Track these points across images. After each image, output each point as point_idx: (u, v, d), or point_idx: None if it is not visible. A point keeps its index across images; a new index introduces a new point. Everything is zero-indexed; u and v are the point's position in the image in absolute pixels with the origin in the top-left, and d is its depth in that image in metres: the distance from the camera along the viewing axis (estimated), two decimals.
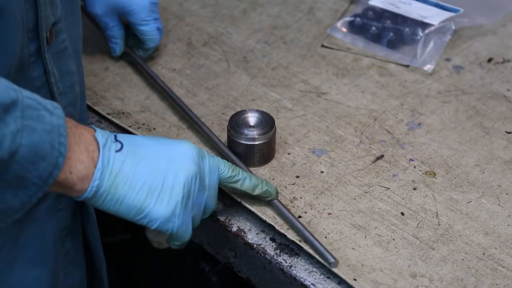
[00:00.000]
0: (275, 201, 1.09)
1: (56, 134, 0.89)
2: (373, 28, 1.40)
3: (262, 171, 1.15)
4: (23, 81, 0.97)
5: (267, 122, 1.16)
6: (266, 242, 1.08)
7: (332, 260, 1.02)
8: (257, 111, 1.17)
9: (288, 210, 1.08)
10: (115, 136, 0.97)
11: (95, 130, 0.96)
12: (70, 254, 1.11)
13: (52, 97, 1.02)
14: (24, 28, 0.95)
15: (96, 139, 0.95)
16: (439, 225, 1.09)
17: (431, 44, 1.38)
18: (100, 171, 0.94)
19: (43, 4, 0.96)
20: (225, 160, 1.06)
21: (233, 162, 1.15)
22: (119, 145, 0.96)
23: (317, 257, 1.03)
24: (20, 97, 0.87)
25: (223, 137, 1.19)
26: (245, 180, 1.07)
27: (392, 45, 1.39)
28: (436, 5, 1.43)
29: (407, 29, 1.40)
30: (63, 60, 1.03)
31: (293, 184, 1.14)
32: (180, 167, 0.98)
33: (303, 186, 1.14)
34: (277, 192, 1.09)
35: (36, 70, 0.99)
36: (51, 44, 1.00)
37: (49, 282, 1.09)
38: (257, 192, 1.07)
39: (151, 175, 0.96)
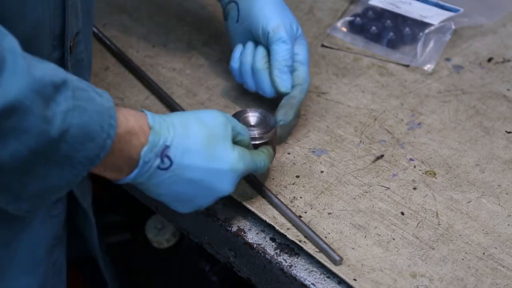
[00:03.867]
0: (277, 200, 1.09)
1: (107, 115, 0.89)
2: (373, 28, 1.40)
3: None
4: None
5: (267, 122, 1.16)
6: (266, 242, 1.08)
7: (337, 258, 1.02)
8: (257, 110, 1.17)
9: (290, 209, 1.08)
10: (165, 149, 0.95)
11: (146, 140, 0.94)
12: (56, 265, 1.11)
13: None
14: (51, 34, 0.96)
15: (139, 154, 0.94)
16: (439, 224, 1.09)
17: (431, 44, 1.38)
18: (131, 180, 0.95)
19: (70, 13, 0.97)
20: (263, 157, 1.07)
21: None
22: (167, 163, 0.95)
23: (317, 257, 1.03)
24: (70, 78, 0.87)
25: None
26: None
27: (392, 45, 1.39)
28: (436, 5, 1.43)
29: (407, 29, 1.40)
30: (79, 70, 1.04)
31: (293, 184, 1.14)
32: (217, 191, 1.01)
33: (303, 186, 1.14)
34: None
35: None
36: (72, 53, 1.01)
37: None
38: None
39: (186, 192, 0.99)
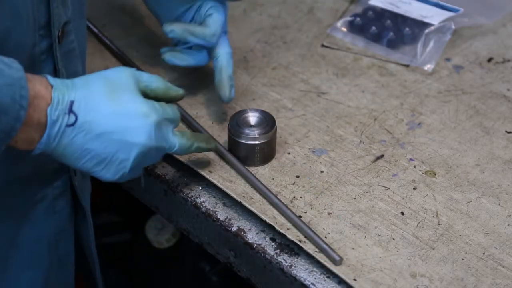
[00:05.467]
0: (277, 200, 1.09)
1: (18, 87, 0.87)
2: (373, 28, 1.40)
3: (262, 170, 1.15)
4: None
5: (267, 122, 1.16)
6: (266, 242, 1.08)
7: (337, 258, 1.02)
8: (258, 110, 1.17)
9: (290, 209, 1.08)
10: (71, 105, 0.92)
11: (50, 99, 0.92)
12: (62, 259, 1.11)
13: None
14: (36, 24, 0.96)
15: (46, 115, 0.91)
16: (439, 224, 1.09)
17: (431, 44, 1.38)
18: (43, 144, 0.92)
19: (54, 1, 0.97)
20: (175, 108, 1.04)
21: (232, 164, 1.15)
22: (72, 119, 0.92)
23: (317, 257, 1.03)
24: None
25: (224, 137, 1.19)
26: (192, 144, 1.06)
27: (392, 45, 1.39)
28: (436, 5, 1.43)
29: (407, 29, 1.40)
30: (71, 60, 1.04)
31: (293, 184, 1.14)
32: (133, 144, 0.96)
33: (303, 186, 1.14)
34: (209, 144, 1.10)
35: (46, 68, 1.00)
36: (61, 43, 1.00)
37: (42, 286, 1.09)
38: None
39: (102, 150, 0.95)
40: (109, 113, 0.94)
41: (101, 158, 0.95)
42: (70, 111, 0.92)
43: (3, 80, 0.86)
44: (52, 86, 0.92)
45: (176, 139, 1.03)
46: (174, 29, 1.19)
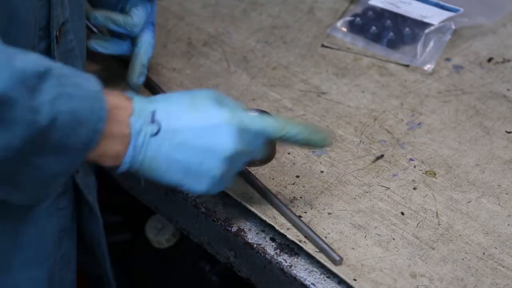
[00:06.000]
0: (277, 200, 1.09)
1: (95, 99, 0.88)
2: (373, 28, 1.40)
3: (262, 171, 1.15)
4: None
5: None
6: (266, 242, 1.08)
7: (337, 258, 1.02)
8: (258, 110, 1.17)
9: (290, 209, 1.08)
10: (153, 115, 0.93)
11: (131, 110, 0.92)
12: (65, 257, 1.11)
13: None
14: (36, 26, 0.96)
15: (129, 126, 0.92)
16: (439, 224, 1.09)
17: (431, 44, 1.38)
18: (130, 157, 0.93)
19: (55, 3, 0.97)
20: (271, 117, 1.03)
21: None
22: (155, 128, 0.93)
23: (317, 257, 1.03)
24: (54, 66, 0.86)
25: None
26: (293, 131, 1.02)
27: (392, 45, 1.39)
28: (436, 5, 1.43)
29: (407, 29, 1.40)
30: (70, 60, 1.04)
31: (293, 184, 1.14)
32: (220, 150, 0.94)
33: (303, 186, 1.14)
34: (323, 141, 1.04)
35: None
36: (59, 43, 1.00)
37: (46, 284, 1.09)
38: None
39: (188, 159, 0.94)
40: (191, 120, 0.94)
41: (189, 168, 0.95)
42: (153, 120, 0.93)
43: (82, 92, 0.87)
44: (131, 98, 0.93)
45: (261, 141, 1.01)
46: (97, 16, 1.20)
